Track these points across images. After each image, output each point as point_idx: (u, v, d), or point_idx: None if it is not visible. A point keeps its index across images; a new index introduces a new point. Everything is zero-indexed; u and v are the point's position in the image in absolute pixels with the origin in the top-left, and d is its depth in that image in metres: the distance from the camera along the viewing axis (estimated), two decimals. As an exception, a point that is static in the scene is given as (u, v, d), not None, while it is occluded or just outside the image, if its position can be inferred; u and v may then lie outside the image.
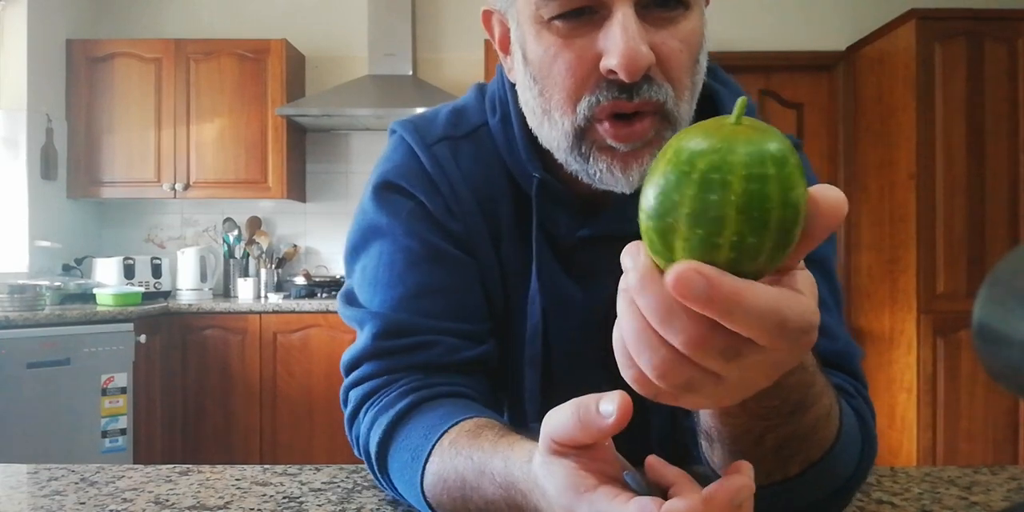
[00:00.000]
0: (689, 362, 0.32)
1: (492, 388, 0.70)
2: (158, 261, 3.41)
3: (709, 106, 0.67)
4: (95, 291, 3.05)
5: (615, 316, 0.35)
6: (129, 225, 3.71)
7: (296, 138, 3.55)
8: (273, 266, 3.58)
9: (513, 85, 0.69)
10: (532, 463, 0.44)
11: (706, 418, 0.47)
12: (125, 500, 0.65)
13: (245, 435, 3.11)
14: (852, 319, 3.44)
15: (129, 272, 3.30)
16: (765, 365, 0.33)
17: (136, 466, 0.76)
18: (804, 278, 0.34)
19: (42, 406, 2.57)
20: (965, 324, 2.77)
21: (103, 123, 3.39)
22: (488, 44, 3.40)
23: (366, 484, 0.70)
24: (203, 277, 3.47)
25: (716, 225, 0.30)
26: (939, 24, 2.94)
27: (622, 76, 0.55)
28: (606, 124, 0.59)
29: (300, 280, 3.39)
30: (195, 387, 3.11)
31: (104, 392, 2.72)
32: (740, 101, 0.31)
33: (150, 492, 0.68)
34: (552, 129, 0.62)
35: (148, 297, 3.19)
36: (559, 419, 0.40)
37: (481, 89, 0.77)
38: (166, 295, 3.38)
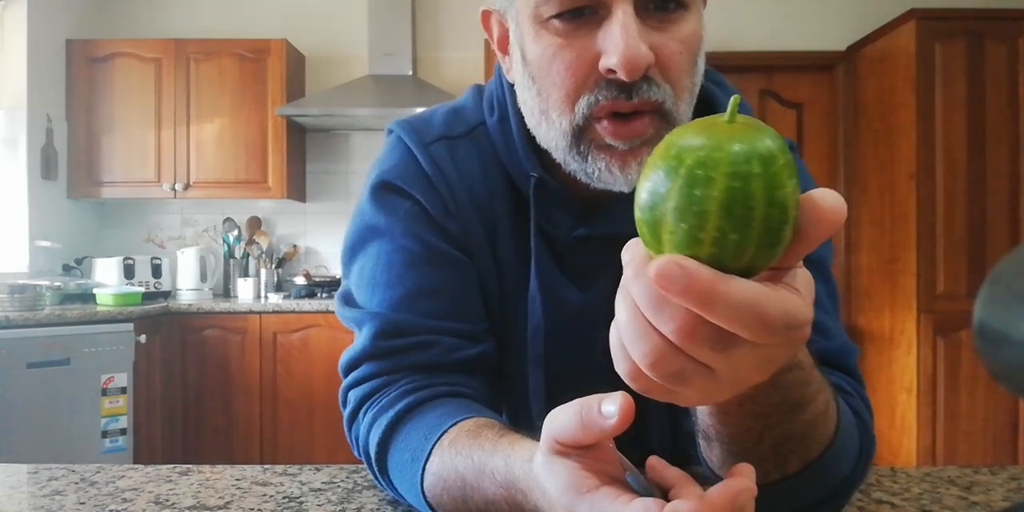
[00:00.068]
0: (680, 352, 0.33)
1: (491, 388, 0.70)
2: (158, 261, 3.41)
3: (705, 107, 0.67)
4: (95, 291, 3.05)
5: (612, 316, 0.35)
6: (129, 225, 3.71)
7: (296, 138, 3.55)
8: (273, 266, 3.58)
9: (511, 85, 0.69)
10: (533, 462, 0.44)
11: (704, 417, 0.47)
12: (125, 500, 0.65)
13: (245, 435, 3.11)
14: (852, 319, 3.44)
15: (129, 272, 3.30)
16: (756, 359, 0.33)
17: (136, 466, 0.76)
18: (802, 276, 0.34)
19: (42, 406, 2.56)
20: (965, 324, 2.77)
21: (103, 123, 3.39)
22: (488, 44, 3.40)
23: (366, 484, 0.70)
24: (203, 277, 3.47)
25: (699, 220, 0.30)
26: (939, 24, 2.94)
27: (622, 75, 0.55)
28: (605, 122, 0.59)
29: (300, 280, 3.39)
30: (195, 387, 3.11)
31: (104, 392, 2.72)
32: (733, 99, 0.31)
33: (150, 492, 0.68)
34: (550, 128, 0.62)
35: (148, 297, 3.19)
36: (561, 419, 0.40)
37: (479, 89, 0.77)
38: (166, 295, 3.38)
